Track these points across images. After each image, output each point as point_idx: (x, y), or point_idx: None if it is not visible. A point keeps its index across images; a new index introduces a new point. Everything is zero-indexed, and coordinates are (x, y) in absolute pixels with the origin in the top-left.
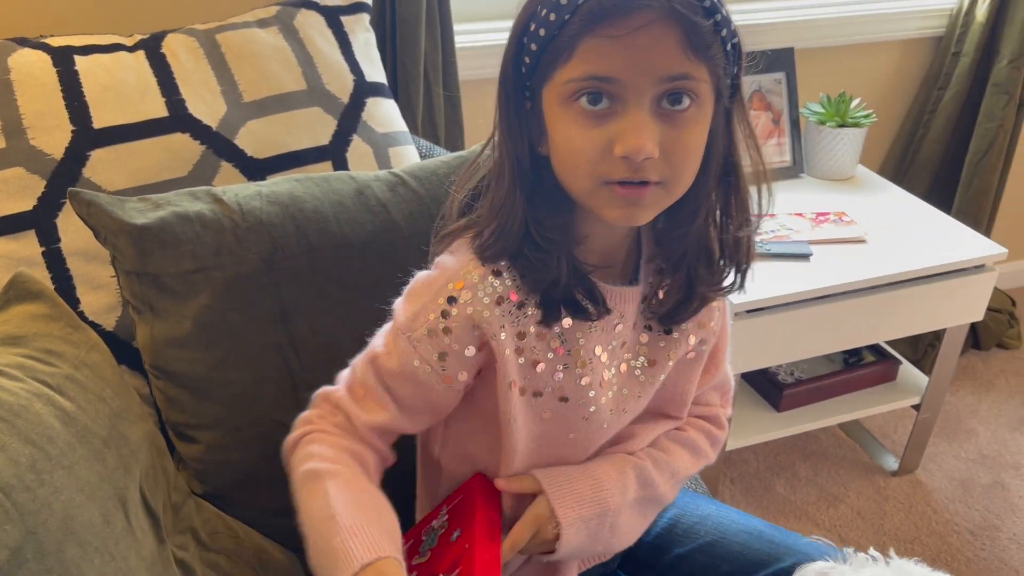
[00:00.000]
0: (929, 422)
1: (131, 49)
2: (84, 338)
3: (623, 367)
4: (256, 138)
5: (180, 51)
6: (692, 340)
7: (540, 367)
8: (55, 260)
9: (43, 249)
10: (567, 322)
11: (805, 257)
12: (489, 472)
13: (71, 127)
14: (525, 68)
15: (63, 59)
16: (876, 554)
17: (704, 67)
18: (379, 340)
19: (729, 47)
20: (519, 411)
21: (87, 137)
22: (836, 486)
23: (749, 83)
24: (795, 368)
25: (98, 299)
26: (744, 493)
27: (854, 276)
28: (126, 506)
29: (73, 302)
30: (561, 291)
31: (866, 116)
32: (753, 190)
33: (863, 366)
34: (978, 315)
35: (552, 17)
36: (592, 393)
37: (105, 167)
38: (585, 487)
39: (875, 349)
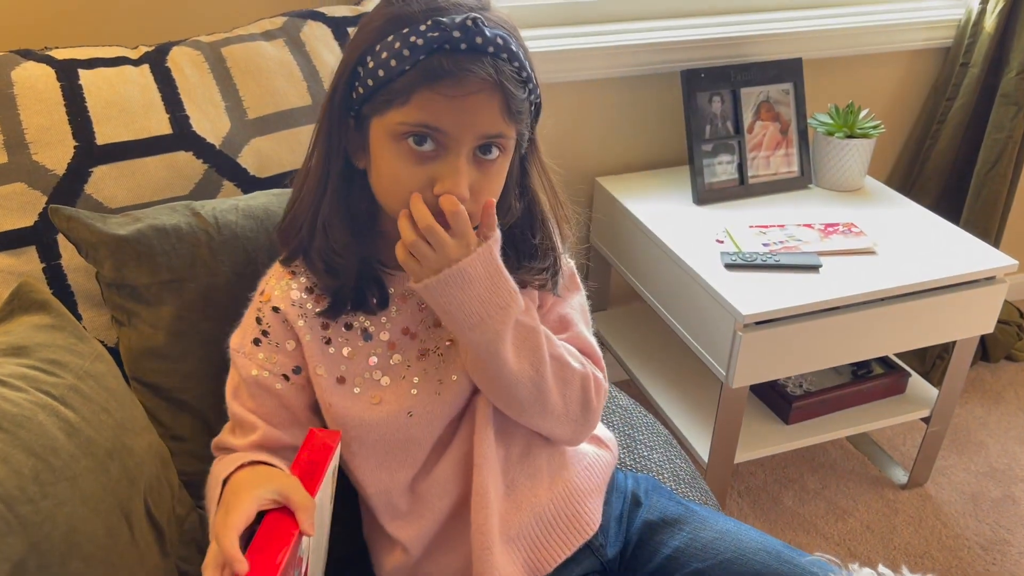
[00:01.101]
0: (939, 435)
1: (136, 63)
2: (89, 349)
3: (427, 342)
4: (259, 156)
5: (185, 65)
6: None
7: (347, 352)
8: (56, 276)
9: (44, 265)
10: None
11: (814, 268)
12: (388, 486)
13: (74, 143)
14: (356, 95)
15: (67, 73)
16: (886, 571)
17: (514, 127)
18: (230, 376)
19: (532, 108)
20: (347, 405)
21: (89, 153)
22: (845, 499)
23: (758, 93)
24: (803, 380)
25: (99, 315)
26: (752, 506)
27: (864, 288)
28: (130, 519)
29: (74, 318)
30: (350, 289)
31: (874, 127)
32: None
33: (872, 378)
34: (988, 327)
35: (393, 63)
36: (407, 369)
37: (107, 184)
38: None
39: (884, 361)
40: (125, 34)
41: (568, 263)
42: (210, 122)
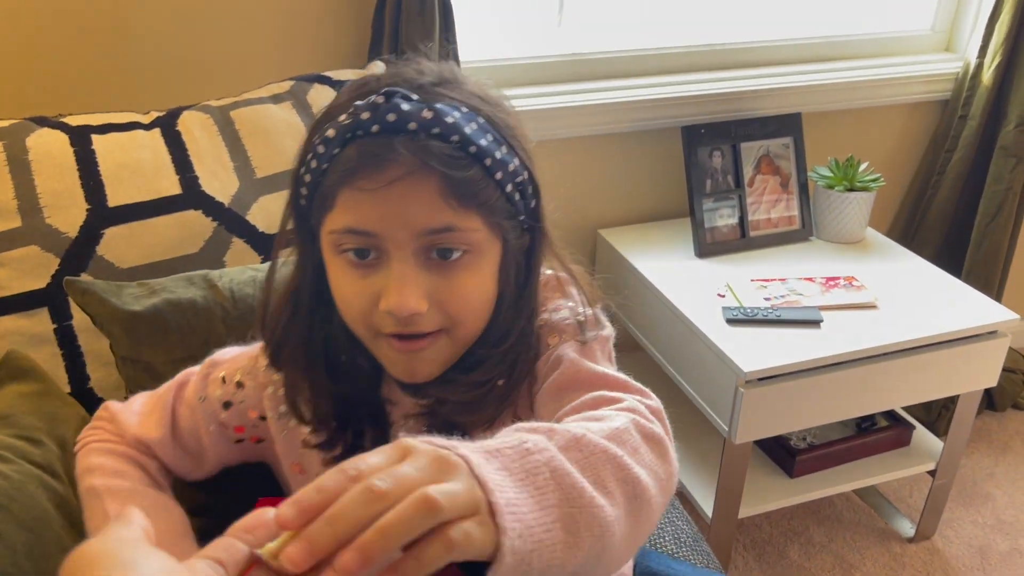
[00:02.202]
0: (945, 488)
1: (147, 127)
2: (73, 413)
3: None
4: (268, 213)
5: (195, 128)
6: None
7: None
8: (66, 337)
9: (55, 326)
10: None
11: (816, 323)
12: None
13: (86, 205)
14: (302, 204)
15: (80, 138)
16: None
17: (475, 215)
18: (195, 368)
19: (510, 187)
20: None
21: (102, 215)
22: (852, 553)
23: (758, 147)
24: (807, 433)
25: (108, 375)
26: (758, 560)
27: (866, 343)
28: None
29: (83, 378)
30: (346, 425)
31: (874, 180)
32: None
33: (876, 431)
34: (992, 381)
35: (315, 164)
36: None
37: (118, 244)
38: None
39: (888, 414)
40: (138, 100)
41: (589, 310)
42: (219, 182)
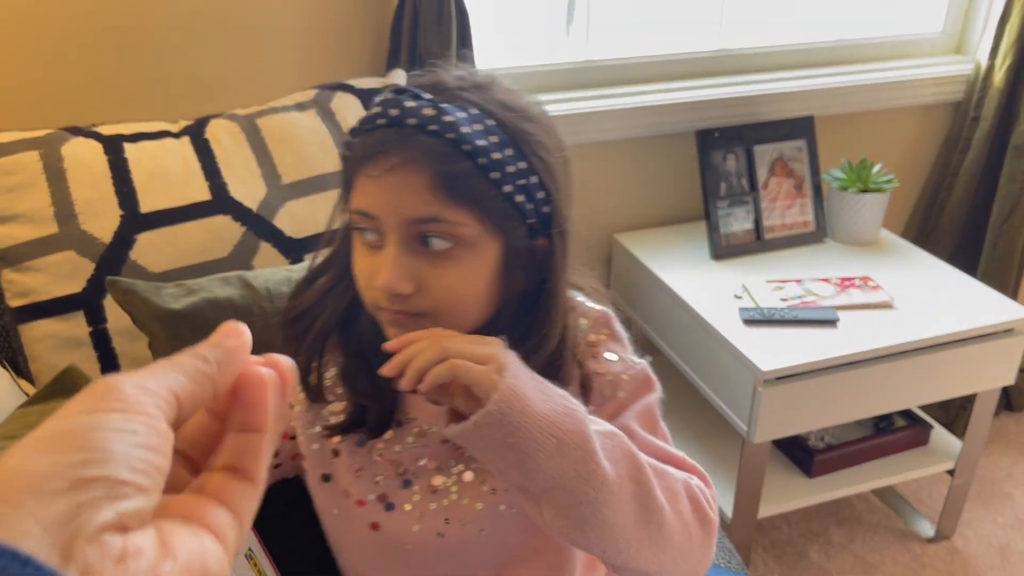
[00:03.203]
0: (964, 487)
1: (177, 135)
2: None
3: (461, 462)
4: (294, 218)
5: (223, 136)
6: None
7: (352, 466)
8: (101, 340)
9: (91, 329)
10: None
11: (832, 323)
12: None
13: (120, 212)
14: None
15: (113, 147)
16: None
17: (465, 210)
18: None
19: (509, 188)
20: (330, 506)
21: (134, 221)
22: (871, 553)
23: (772, 151)
24: (825, 434)
25: None
26: (777, 561)
27: (882, 342)
28: None
29: None
30: (370, 408)
31: (887, 181)
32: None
33: (894, 431)
34: (1009, 379)
35: (341, 151)
36: (422, 498)
37: (150, 250)
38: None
39: (906, 413)
40: (165, 111)
41: (638, 365)
42: (247, 188)
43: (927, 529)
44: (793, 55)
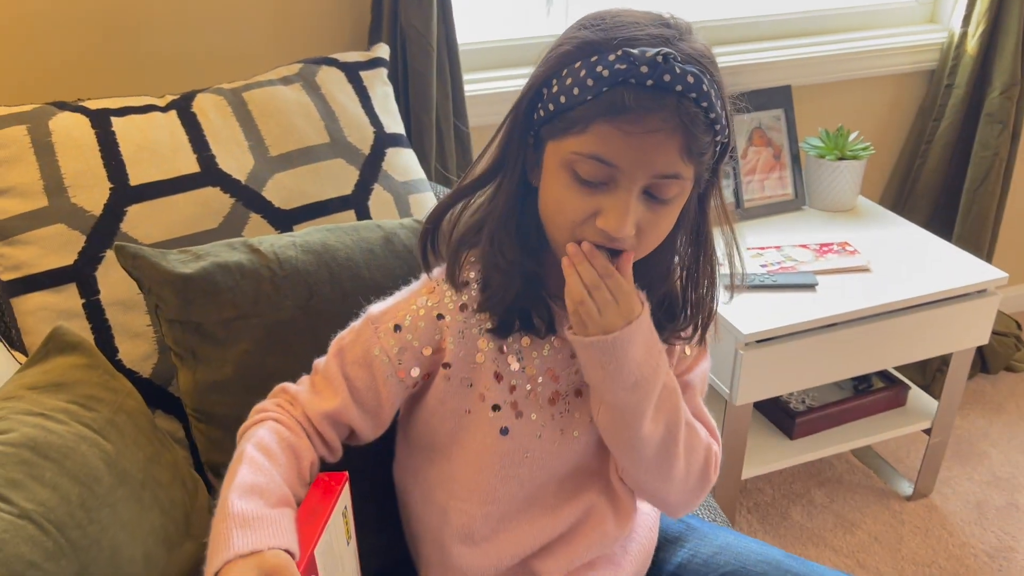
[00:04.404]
0: (941, 446)
1: (164, 109)
2: (121, 386)
3: (579, 394)
4: (283, 189)
5: (209, 110)
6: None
7: (494, 374)
8: (95, 311)
9: (83, 301)
10: (523, 340)
11: (811, 287)
12: (472, 514)
13: (109, 185)
14: (537, 116)
15: (100, 121)
16: None
17: (692, 168)
18: (346, 333)
19: (717, 148)
20: (471, 423)
21: (124, 194)
22: (852, 512)
23: (749, 120)
24: (806, 396)
25: (135, 347)
26: (761, 521)
27: (859, 304)
28: (163, 544)
29: (112, 351)
30: (516, 308)
31: (864, 149)
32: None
33: (873, 392)
34: (983, 339)
35: (576, 91)
36: (543, 410)
37: (141, 221)
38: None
39: (884, 376)
40: (152, 87)
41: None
42: (235, 160)
43: (906, 488)
44: (770, 26)
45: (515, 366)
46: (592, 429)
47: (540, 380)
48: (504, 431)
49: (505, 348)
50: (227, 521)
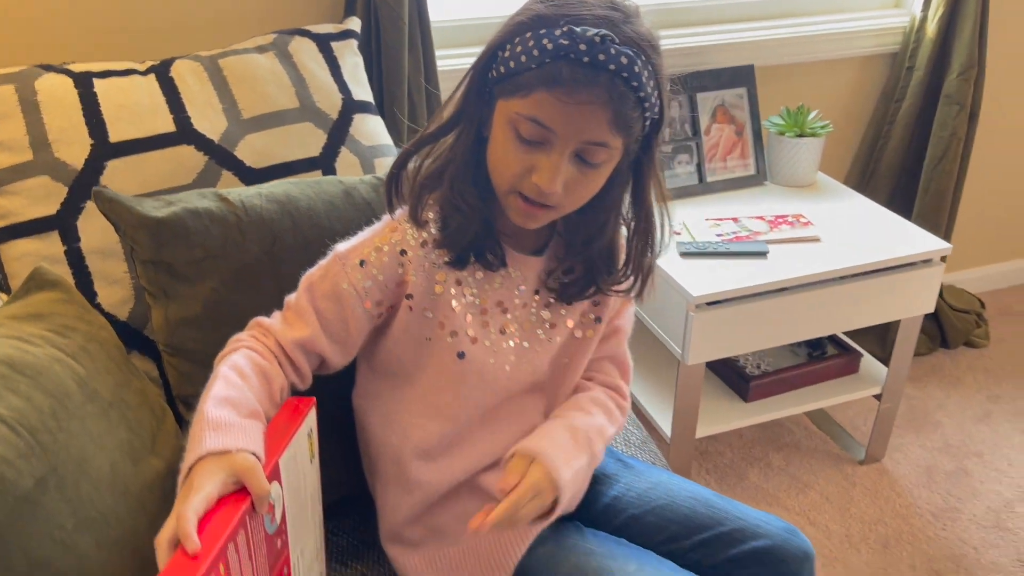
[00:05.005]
0: (891, 412)
1: (144, 73)
2: (95, 319)
3: (525, 323)
4: (254, 150)
5: (187, 74)
6: (579, 316)
7: (452, 304)
8: (75, 258)
9: (65, 248)
10: (477, 273)
11: (762, 255)
12: (429, 431)
13: (90, 141)
14: (491, 76)
15: (83, 82)
16: None
17: (620, 139)
18: (315, 270)
19: (647, 123)
20: (431, 349)
21: (104, 150)
22: (807, 474)
23: (713, 98)
24: (761, 361)
25: (113, 292)
26: (719, 481)
27: (807, 270)
28: (129, 456)
29: (91, 295)
30: (471, 246)
31: (823, 126)
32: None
33: (826, 359)
34: (928, 307)
35: (523, 59)
36: (494, 337)
37: (119, 176)
38: (567, 439)
39: (838, 343)
40: (134, 52)
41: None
42: (209, 121)
43: (859, 453)
44: (735, 8)
45: (469, 297)
46: (539, 357)
47: (491, 310)
48: (461, 355)
49: (461, 280)
50: (201, 424)
